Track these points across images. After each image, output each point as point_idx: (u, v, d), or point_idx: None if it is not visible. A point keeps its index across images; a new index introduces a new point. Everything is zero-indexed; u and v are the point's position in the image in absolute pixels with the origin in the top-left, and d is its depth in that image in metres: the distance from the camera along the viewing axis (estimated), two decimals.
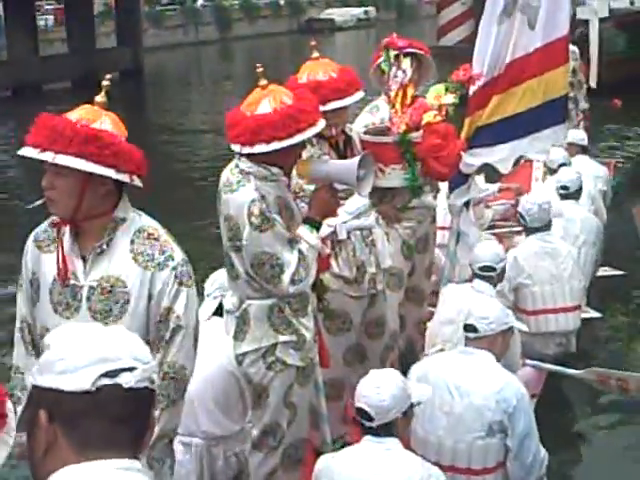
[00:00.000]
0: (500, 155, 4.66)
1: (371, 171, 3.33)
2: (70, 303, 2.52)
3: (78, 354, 1.38)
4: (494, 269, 4.47)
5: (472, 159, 4.57)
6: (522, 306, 5.07)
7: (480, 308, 3.69)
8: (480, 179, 6.48)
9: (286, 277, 3.14)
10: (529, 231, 5.21)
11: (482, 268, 4.49)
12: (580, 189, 6.07)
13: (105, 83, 2.56)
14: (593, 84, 7.88)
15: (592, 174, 7.00)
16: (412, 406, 3.06)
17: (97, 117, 2.46)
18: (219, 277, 3.74)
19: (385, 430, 2.97)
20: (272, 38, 40.58)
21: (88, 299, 2.49)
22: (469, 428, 3.40)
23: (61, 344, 1.42)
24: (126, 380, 1.36)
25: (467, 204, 4.86)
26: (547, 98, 4.61)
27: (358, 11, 50.56)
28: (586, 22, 14.91)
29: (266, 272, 3.15)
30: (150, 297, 2.48)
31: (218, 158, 13.71)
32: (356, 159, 3.32)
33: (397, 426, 2.99)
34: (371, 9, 51.88)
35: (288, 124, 3.06)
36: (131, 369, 1.37)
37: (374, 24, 47.81)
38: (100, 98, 2.53)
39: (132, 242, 2.49)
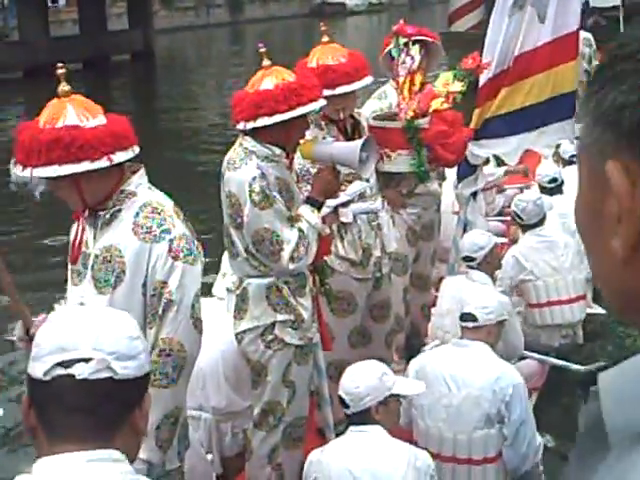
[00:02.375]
0: (507, 147, 4.68)
1: (373, 154, 3.38)
2: (81, 271, 2.61)
3: (46, 341, 1.38)
4: (473, 259, 4.50)
5: (480, 150, 4.61)
6: (527, 300, 5.10)
7: (479, 297, 3.73)
8: (489, 164, 6.50)
9: (286, 254, 3.20)
10: (526, 228, 5.23)
11: (463, 258, 4.57)
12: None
13: (60, 71, 2.56)
14: None
15: None
16: (395, 397, 3.10)
17: (61, 112, 2.48)
18: None
19: (361, 418, 3.02)
20: (283, 21, 40.47)
21: (92, 267, 2.56)
22: (468, 419, 3.44)
23: (43, 329, 1.43)
24: (79, 371, 1.34)
25: (474, 194, 4.88)
26: (556, 93, 4.61)
27: None
28: (600, 10, 14.82)
29: (266, 248, 3.20)
30: (147, 270, 2.51)
31: (227, 142, 13.77)
32: (359, 141, 3.37)
33: (374, 415, 3.02)
34: None
35: (290, 97, 3.13)
36: (87, 360, 1.35)
37: (386, 9, 47.58)
38: (62, 87, 2.54)
39: (136, 215, 2.53)
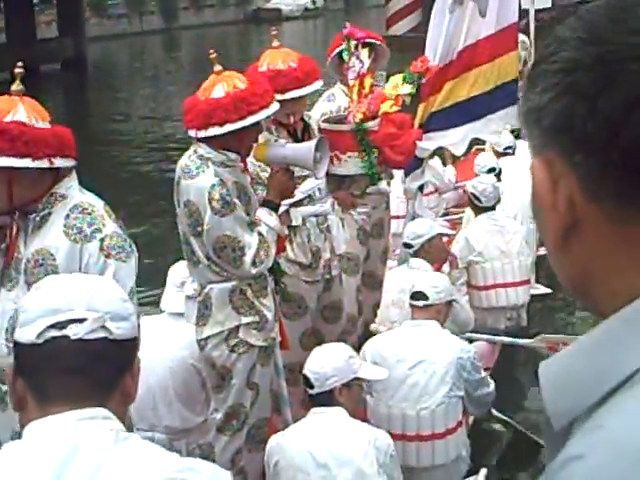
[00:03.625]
0: (454, 138, 4.81)
1: (326, 154, 3.44)
2: (14, 276, 2.57)
3: (36, 305, 1.38)
4: (411, 246, 4.61)
5: (426, 143, 4.70)
6: (474, 282, 5.24)
7: (429, 278, 3.87)
8: (438, 163, 6.62)
9: (248, 259, 3.22)
10: (480, 211, 5.36)
11: (403, 244, 4.72)
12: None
13: (18, 70, 2.59)
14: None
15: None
16: (359, 380, 3.16)
17: (11, 107, 2.48)
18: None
19: (325, 399, 3.07)
20: (219, 28, 40.22)
21: (25, 271, 2.53)
22: (432, 395, 3.56)
23: (29, 296, 1.43)
24: (74, 332, 1.34)
25: (421, 188, 4.98)
26: (499, 82, 4.80)
27: (305, 1, 50.43)
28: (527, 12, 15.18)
29: (228, 255, 3.22)
30: (80, 270, 2.48)
31: (162, 147, 13.69)
32: (312, 142, 3.42)
33: (337, 396, 3.08)
34: None
35: (240, 106, 3.14)
36: (81, 320, 1.35)
37: (322, 14, 47.77)
38: (15, 86, 2.55)
39: (67, 217, 2.51)
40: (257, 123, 3.27)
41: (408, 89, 4.28)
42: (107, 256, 2.47)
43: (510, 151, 6.67)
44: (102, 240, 2.47)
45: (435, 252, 4.68)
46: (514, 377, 5.28)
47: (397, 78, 4.32)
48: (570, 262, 0.71)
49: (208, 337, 3.34)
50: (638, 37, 0.64)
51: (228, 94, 3.18)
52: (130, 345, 1.42)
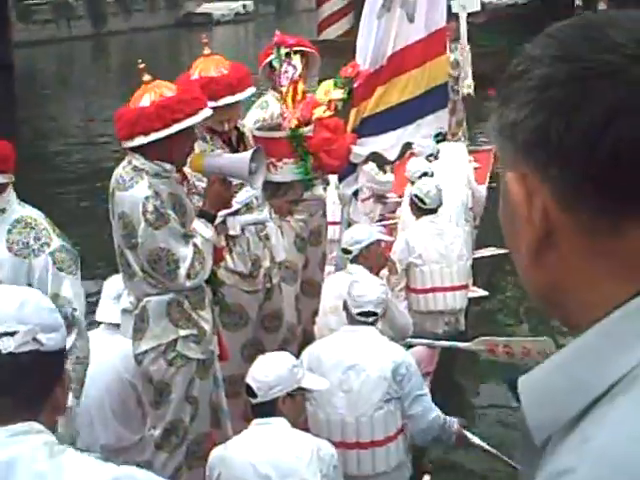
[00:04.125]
0: (387, 143, 4.83)
1: (263, 164, 3.41)
2: None
3: None
4: (349, 251, 4.61)
5: (360, 149, 4.71)
6: (413, 285, 5.25)
7: (361, 286, 3.83)
8: (372, 168, 6.63)
9: (182, 272, 3.18)
10: (422, 213, 5.38)
11: (342, 250, 4.71)
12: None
13: None
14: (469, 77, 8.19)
15: (464, 157, 7.28)
16: (302, 390, 3.13)
17: None
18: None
19: (268, 409, 3.04)
20: (148, 33, 39.80)
21: None
22: (368, 401, 3.54)
23: None
24: (5, 345, 1.32)
25: (356, 194, 4.98)
26: (429, 86, 4.83)
27: (236, 5, 50.27)
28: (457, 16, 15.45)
29: (162, 268, 3.18)
30: (30, 285, 2.45)
31: (91, 157, 13.47)
32: (248, 152, 3.38)
33: (280, 406, 3.05)
34: (249, 3, 51.68)
35: (163, 114, 3.11)
36: (12, 333, 1.33)
37: (253, 18, 47.70)
38: None
39: (9, 232, 2.50)
40: (189, 132, 3.23)
41: (340, 94, 4.29)
42: (60, 270, 2.50)
43: (432, 157, 6.70)
44: (52, 254, 2.49)
45: (373, 258, 4.67)
46: (454, 380, 5.32)
47: (328, 83, 4.34)
48: (543, 274, 0.72)
49: (145, 351, 3.28)
50: (610, 55, 0.66)
51: (153, 103, 3.15)
52: (60, 356, 1.41)
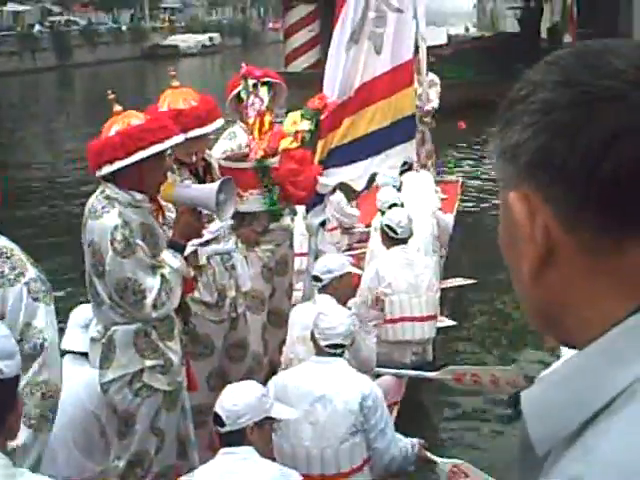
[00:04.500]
0: (354, 173, 4.86)
1: (232, 196, 3.41)
2: None
3: None
4: (320, 279, 4.59)
5: (327, 179, 4.74)
6: (388, 315, 5.24)
7: (327, 318, 3.80)
8: (340, 198, 6.66)
9: (148, 302, 3.18)
10: (393, 243, 5.40)
11: (312, 277, 4.66)
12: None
13: None
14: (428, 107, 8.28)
15: (432, 188, 7.34)
16: (270, 420, 3.11)
17: None
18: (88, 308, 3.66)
19: (235, 438, 3.00)
20: (114, 65, 39.81)
21: None
22: (335, 433, 3.52)
23: None
24: None
25: (323, 224, 4.99)
26: (397, 117, 4.88)
27: (203, 37, 50.56)
28: (428, 48, 15.69)
29: (129, 297, 3.18)
30: (3, 315, 2.44)
31: (54, 187, 13.35)
32: (216, 184, 3.38)
33: (248, 435, 3.03)
34: (216, 35, 52.04)
35: (127, 143, 3.14)
36: None
37: (219, 50, 47.95)
38: None
39: None
40: (158, 160, 3.24)
41: (307, 125, 4.32)
42: (35, 299, 2.50)
43: (394, 189, 6.73)
44: (27, 284, 2.48)
45: (343, 289, 4.65)
46: (421, 408, 5.32)
47: (295, 115, 4.37)
48: (543, 292, 0.74)
49: (111, 380, 3.27)
50: (610, 80, 0.69)
51: (118, 132, 3.19)
52: (14, 383, 1.40)
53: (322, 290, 4.57)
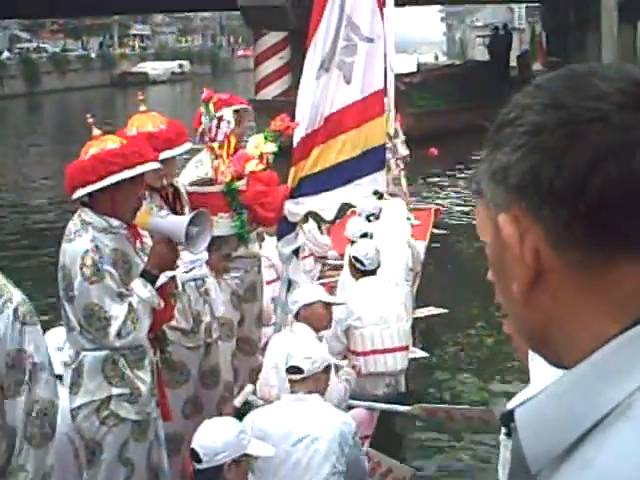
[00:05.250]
0: (324, 203, 4.85)
1: (207, 228, 3.33)
2: None
3: None
4: (290, 310, 4.56)
5: (297, 208, 4.71)
6: (352, 348, 5.18)
7: (301, 349, 3.76)
8: (313, 227, 6.61)
9: (113, 330, 3.15)
10: (361, 275, 5.34)
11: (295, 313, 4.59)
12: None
13: None
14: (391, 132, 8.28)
15: (403, 216, 7.33)
16: (247, 457, 3.07)
17: None
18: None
19: (212, 474, 2.98)
20: (83, 92, 39.70)
21: None
22: (316, 473, 3.45)
23: None
24: None
25: (296, 252, 4.95)
26: (367, 147, 4.87)
27: (172, 65, 50.69)
28: (397, 75, 15.83)
29: (94, 324, 3.16)
30: None
31: (22, 215, 13.21)
32: (187, 217, 3.33)
33: (226, 472, 3.00)
34: (185, 63, 52.21)
35: (98, 167, 3.14)
36: None
37: (189, 78, 48.08)
38: None
39: None
40: (131, 186, 3.21)
41: (272, 147, 4.33)
42: (23, 324, 2.55)
43: (373, 217, 6.70)
44: (16, 310, 2.53)
45: (313, 318, 4.58)
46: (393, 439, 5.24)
47: (258, 138, 4.38)
48: (534, 312, 0.75)
49: (79, 406, 3.24)
50: (597, 102, 0.72)
51: (91, 156, 3.19)
52: None
53: (296, 319, 4.52)
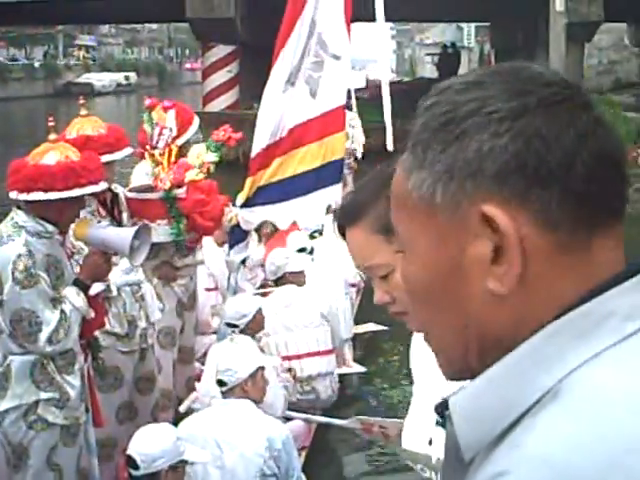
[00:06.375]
0: (279, 212, 4.93)
1: (147, 242, 3.40)
2: None
3: None
4: (236, 325, 4.56)
5: (252, 216, 4.79)
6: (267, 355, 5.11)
7: (223, 362, 3.78)
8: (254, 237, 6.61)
9: (43, 336, 3.14)
10: (274, 283, 5.35)
11: (227, 324, 4.62)
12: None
13: None
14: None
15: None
16: (184, 463, 3.09)
17: None
18: None
19: None
20: (26, 101, 39.03)
21: None
22: (243, 478, 3.44)
23: None
24: None
25: (243, 261, 4.99)
26: (326, 160, 4.97)
27: (118, 76, 50.20)
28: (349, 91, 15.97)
29: (24, 329, 3.14)
30: None
31: None
32: (132, 229, 3.37)
33: (164, 478, 3.01)
34: (132, 74, 51.75)
35: (69, 177, 3.13)
36: None
37: (135, 90, 47.65)
38: None
39: None
40: (81, 198, 3.24)
41: (213, 157, 4.38)
42: None
43: (317, 234, 6.69)
44: None
45: (257, 327, 4.66)
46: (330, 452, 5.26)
47: (200, 147, 4.42)
48: (509, 310, 0.72)
49: (7, 410, 3.21)
50: (552, 88, 0.73)
51: (59, 163, 3.16)
52: None
53: (240, 332, 4.53)
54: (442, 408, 0.74)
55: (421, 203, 0.74)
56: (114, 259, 3.52)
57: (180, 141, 3.96)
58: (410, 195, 0.75)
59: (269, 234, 6.67)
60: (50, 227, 3.19)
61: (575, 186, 0.70)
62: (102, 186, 3.31)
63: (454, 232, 0.73)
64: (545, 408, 0.67)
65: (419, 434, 1.72)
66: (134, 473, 3.02)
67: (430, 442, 1.65)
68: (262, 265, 7.03)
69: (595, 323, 0.70)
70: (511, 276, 0.71)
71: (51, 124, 3.34)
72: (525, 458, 0.65)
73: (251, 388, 3.74)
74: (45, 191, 3.11)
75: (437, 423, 0.78)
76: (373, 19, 5.30)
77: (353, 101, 7.55)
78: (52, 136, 3.31)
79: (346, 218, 1.42)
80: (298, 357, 5.12)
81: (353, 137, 8.29)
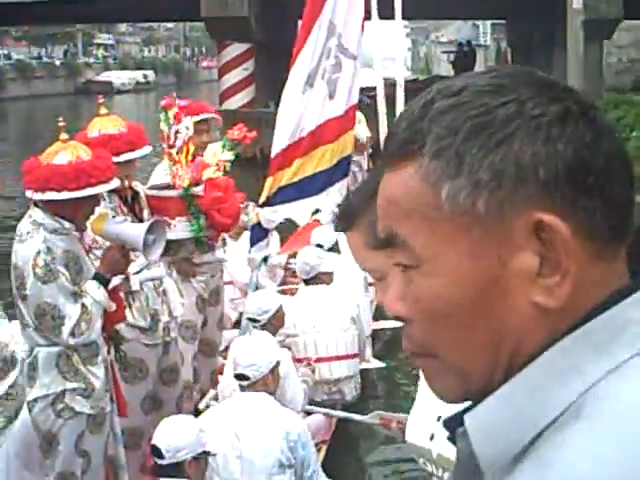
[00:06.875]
0: (299, 210, 5.02)
1: (162, 236, 3.49)
2: None
3: None
4: (258, 320, 4.63)
5: (274, 215, 4.89)
6: (293, 354, 5.09)
7: (245, 356, 3.85)
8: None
9: (66, 329, 3.25)
10: (305, 283, 5.37)
11: (248, 319, 4.69)
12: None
13: None
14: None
15: None
16: (206, 454, 3.19)
17: None
18: None
19: (173, 470, 3.09)
20: (48, 99, 39.27)
21: None
22: (262, 468, 3.54)
23: None
24: None
25: (265, 259, 5.09)
26: (339, 157, 5.10)
27: (137, 74, 50.41)
28: (362, 89, 15.95)
29: (47, 322, 3.24)
30: None
31: None
32: (145, 224, 3.46)
33: (187, 468, 3.11)
34: (150, 73, 51.95)
35: (80, 177, 3.21)
36: None
37: (154, 88, 47.73)
38: None
39: None
40: (96, 197, 3.34)
41: (229, 155, 4.48)
42: None
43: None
44: None
45: (279, 323, 4.74)
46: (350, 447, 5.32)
47: (216, 146, 4.51)
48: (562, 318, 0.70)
49: (35, 399, 3.32)
50: (573, 95, 0.72)
51: (71, 163, 3.24)
52: None
53: (261, 328, 4.60)
54: (453, 424, 0.73)
55: (454, 214, 0.69)
56: (134, 254, 3.63)
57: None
58: (440, 206, 0.69)
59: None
60: (67, 224, 3.29)
61: (613, 194, 0.69)
62: (114, 184, 3.39)
63: (493, 243, 0.68)
64: (571, 425, 0.66)
65: (422, 429, 1.76)
66: (159, 462, 3.13)
67: (432, 437, 1.70)
68: (283, 267, 7.12)
69: (612, 335, 0.68)
70: (563, 288, 0.68)
71: (61, 124, 3.40)
72: (559, 477, 0.64)
73: (271, 382, 3.86)
74: (58, 191, 3.21)
75: (448, 439, 0.76)
76: (389, 17, 5.33)
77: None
78: (63, 136, 3.38)
79: (341, 224, 1.50)
80: (328, 359, 5.18)
81: (357, 133, 8.35)
